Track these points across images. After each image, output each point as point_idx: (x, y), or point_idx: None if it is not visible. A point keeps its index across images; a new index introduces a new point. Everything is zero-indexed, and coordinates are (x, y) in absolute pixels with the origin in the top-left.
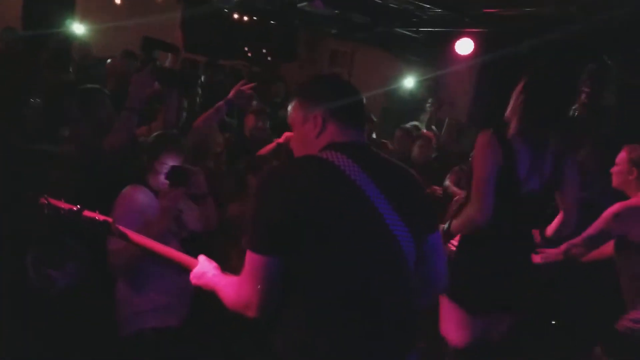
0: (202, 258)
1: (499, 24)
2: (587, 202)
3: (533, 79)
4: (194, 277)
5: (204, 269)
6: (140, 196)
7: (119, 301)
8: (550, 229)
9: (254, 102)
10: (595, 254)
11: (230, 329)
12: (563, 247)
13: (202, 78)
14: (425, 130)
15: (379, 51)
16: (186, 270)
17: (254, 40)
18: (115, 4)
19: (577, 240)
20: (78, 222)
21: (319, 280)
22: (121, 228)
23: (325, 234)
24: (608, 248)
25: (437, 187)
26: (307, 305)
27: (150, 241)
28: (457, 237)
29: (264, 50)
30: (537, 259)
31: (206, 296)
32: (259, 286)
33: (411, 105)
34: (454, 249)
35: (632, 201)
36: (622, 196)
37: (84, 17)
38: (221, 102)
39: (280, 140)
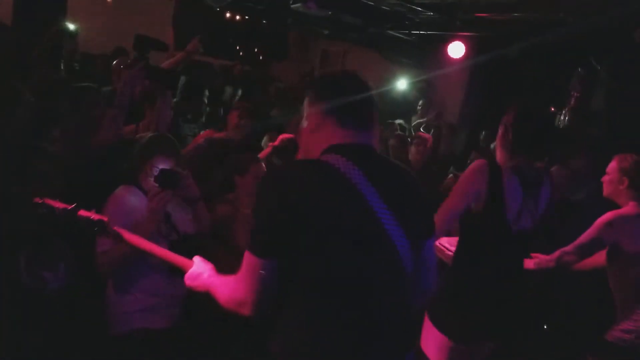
0: (197, 259)
1: (490, 28)
2: (577, 206)
3: (517, 119)
4: (188, 278)
5: (200, 269)
6: (130, 197)
7: (108, 301)
8: None
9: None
10: (587, 262)
11: (223, 330)
12: (555, 254)
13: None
14: (421, 132)
15: (370, 52)
16: (180, 271)
17: (246, 39)
18: (107, 2)
19: (569, 248)
20: (73, 222)
21: (317, 281)
22: (116, 228)
23: (323, 236)
24: (600, 257)
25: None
26: (306, 306)
27: (145, 242)
28: (454, 242)
29: (256, 49)
30: (529, 264)
31: (198, 298)
32: (254, 286)
33: (403, 107)
34: (450, 254)
35: (625, 210)
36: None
37: (75, 14)
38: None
39: (276, 143)
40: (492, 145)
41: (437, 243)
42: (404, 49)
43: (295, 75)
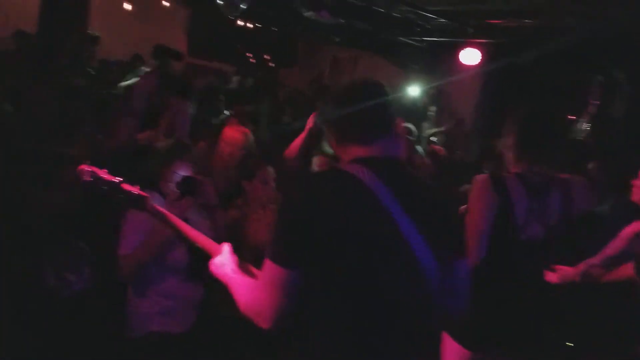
0: (226, 248)
1: (503, 34)
2: (597, 216)
3: (526, 126)
4: (213, 265)
5: (224, 260)
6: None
7: (127, 304)
8: None
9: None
10: (613, 274)
11: (238, 335)
12: (580, 267)
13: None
14: (434, 145)
15: (380, 59)
16: (196, 275)
17: (257, 46)
18: (124, 10)
19: (594, 260)
20: (114, 194)
21: (339, 294)
22: (156, 206)
23: (346, 248)
24: (627, 268)
25: None
26: (326, 318)
27: (181, 222)
28: None
29: (266, 56)
30: (553, 277)
31: (214, 302)
32: (276, 298)
33: (412, 114)
34: None
35: None
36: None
37: (93, 21)
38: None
39: (309, 124)
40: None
41: None
42: (415, 56)
43: (304, 81)
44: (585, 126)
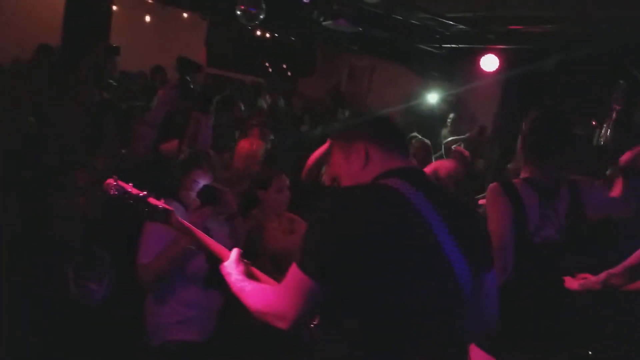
0: (233, 254)
1: (523, 40)
2: (616, 223)
3: (533, 128)
4: (221, 269)
5: (230, 269)
6: None
7: (146, 312)
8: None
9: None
10: (636, 284)
11: (257, 345)
12: (602, 276)
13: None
14: (455, 146)
15: (398, 66)
16: (215, 284)
17: (275, 56)
18: (144, 22)
19: (616, 269)
20: (139, 207)
21: (372, 306)
22: (181, 220)
23: (384, 262)
24: None
25: None
26: (358, 329)
27: (204, 236)
28: None
29: (284, 66)
30: (574, 284)
31: (233, 311)
32: (299, 305)
33: (429, 120)
34: None
35: None
36: None
37: (115, 33)
38: None
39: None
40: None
41: None
42: (433, 63)
43: (323, 89)
44: (607, 131)
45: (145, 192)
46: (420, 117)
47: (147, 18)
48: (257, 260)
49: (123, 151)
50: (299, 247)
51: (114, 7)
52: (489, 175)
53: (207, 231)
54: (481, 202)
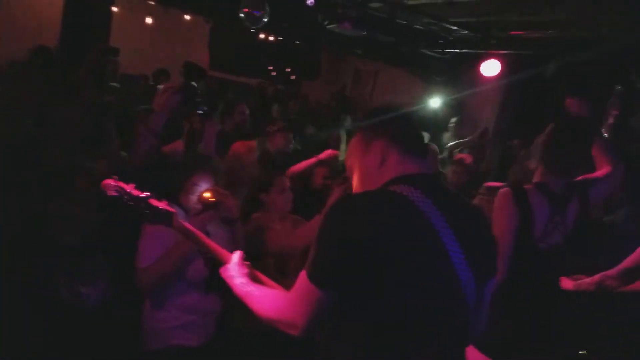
0: (235, 257)
1: (525, 46)
2: (613, 226)
3: (558, 132)
4: (222, 271)
5: (232, 272)
6: None
7: (144, 316)
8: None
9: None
10: (630, 286)
11: (257, 349)
12: (596, 277)
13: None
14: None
15: (402, 71)
16: (215, 288)
17: (279, 59)
18: (146, 24)
19: (612, 272)
20: (141, 209)
21: (377, 312)
22: (183, 223)
23: (391, 270)
24: None
25: None
26: (364, 337)
27: (207, 239)
28: None
29: (288, 69)
30: (569, 285)
31: (232, 317)
32: (308, 313)
33: (435, 125)
34: None
35: None
36: None
37: (115, 35)
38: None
39: (322, 156)
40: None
41: None
42: (437, 67)
43: (327, 93)
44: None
45: (147, 194)
46: (422, 120)
47: (149, 20)
48: (261, 262)
49: (123, 154)
50: (308, 256)
51: (114, 9)
52: (490, 179)
53: (207, 235)
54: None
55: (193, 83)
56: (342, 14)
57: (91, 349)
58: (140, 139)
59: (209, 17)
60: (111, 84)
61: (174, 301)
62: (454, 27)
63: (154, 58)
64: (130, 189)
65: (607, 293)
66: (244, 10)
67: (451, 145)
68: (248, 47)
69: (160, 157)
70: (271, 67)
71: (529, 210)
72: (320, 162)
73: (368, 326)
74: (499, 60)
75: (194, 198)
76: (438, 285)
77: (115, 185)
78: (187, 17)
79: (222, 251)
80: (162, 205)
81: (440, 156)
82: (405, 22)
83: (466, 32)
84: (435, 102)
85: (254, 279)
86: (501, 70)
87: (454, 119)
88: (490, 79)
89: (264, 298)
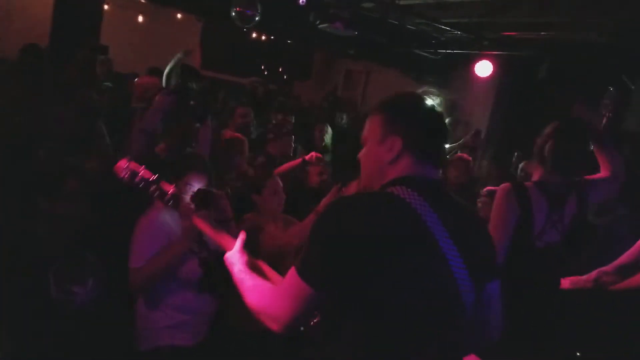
0: (237, 244)
1: (518, 47)
2: (606, 228)
3: (558, 132)
4: (225, 259)
5: (233, 260)
6: (164, 215)
7: (137, 316)
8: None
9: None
10: (626, 282)
11: (250, 349)
12: (593, 274)
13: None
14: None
15: (394, 71)
16: (209, 289)
17: (271, 59)
18: (137, 22)
19: (608, 268)
20: (149, 189)
21: (371, 313)
22: (189, 205)
23: (385, 273)
24: (639, 278)
25: None
26: (356, 339)
27: (204, 224)
28: None
29: (280, 69)
30: (565, 283)
31: (226, 316)
32: (295, 310)
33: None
34: None
35: None
36: None
37: (106, 34)
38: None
39: (307, 157)
40: (520, 166)
41: None
42: (429, 68)
43: (318, 93)
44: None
45: (157, 175)
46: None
47: (140, 18)
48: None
49: (115, 154)
50: (300, 253)
51: (105, 7)
52: (488, 181)
53: (200, 234)
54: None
55: (190, 85)
56: (334, 14)
57: (82, 348)
58: (133, 138)
59: (200, 15)
60: (104, 83)
61: (167, 301)
62: (446, 28)
63: (145, 57)
64: (141, 170)
65: (603, 289)
66: (236, 9)
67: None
68: (240, 47)
69: (154, 157)
70: (263, 67)
71: (528, 207)
72: (305, 163)
73: (367, 327)
74: (491, 61)
75: (187, 198)
76: (434, 286)
77: (126, 167)
78: (179, 15)
79: (225, 238)
80: (171, 188)
81: None
82: (397, 23)
83: (459, 33)
84: (430, 103)
85: (254, 268)
86: (493, 71)
87: (447, 120)
88: (482, 80)
89: (254, 288)
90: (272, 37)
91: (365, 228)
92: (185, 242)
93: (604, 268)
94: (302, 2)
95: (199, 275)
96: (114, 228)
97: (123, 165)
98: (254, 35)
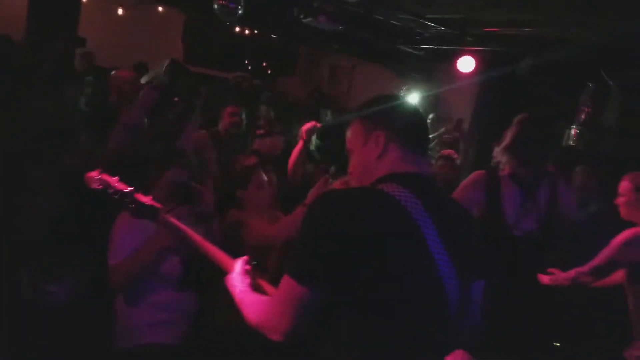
0: (238, 266)
1: (500, 43)
2: (583, 222)
3: (525, 126)
4: (227, 282)
5: (235, 282)
6: None
7: (117, 314)
8: None
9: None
10: (605, 280)
11: (232, 348)
12: (571, 273)
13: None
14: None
15: (378, 67)
16: (190, 286)
17: (255, 54)
18: (117, 15)
19: (585, 268)
20: (125, 203)
21: (359, 315)
22: (171, 219)
23: (373, 270)
24: (617, 275)
25: None
26: (345, 338)
27: (195, 235)
28: None
29: (264, 64)
30: (545, 280)
31: (207, 315)
32: (292, 314)
33: None
34: None
35: None
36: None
37: (87, 27)
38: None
39: (304, 136)
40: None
41: None
42: (413, 64)
43: (303, 89)
44: (576, 133)
45: (131, 188)
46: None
47: (120, 11)
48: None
49: (94, 149)
50: (290, 253)
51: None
52: (464, 173)
53: (179, 234)
54: None
55: (179, 82)
56: (318, 8)
57: (60, 348)
58: (114, 133)
59: (182, 9)
60: (86, 78)
61: (147, 298)
62: (431, 24)
63: (125, 51)
64: (114, 182)
65: (581, 288)
66: (219, 2)
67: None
68: (223, 41)
69: (135, 152)
70: (247, 62)
71: (497, 196)
72: (305, 143)
73: (356, 323)
74: (474, 57)
75: (167, 193)
76: (420, 283)
77: (99, 178)
78: (161, 8)
79: (212, 248)
80: (147, 200)
81: None
82: (381, 18)
83: (442, 28)
84: (412, 99)
85: (257, 288)
86: (476, 67)
87: (431, 115)
88: (465, 75)
89: (252, 305)
90: (255, 32)
91: (354, 223)
92: (165, 238)
93: (580, 269)
94: None
95: (180, 273)
96: (92, 224)
97: (95, 176)
98: (237, 29)
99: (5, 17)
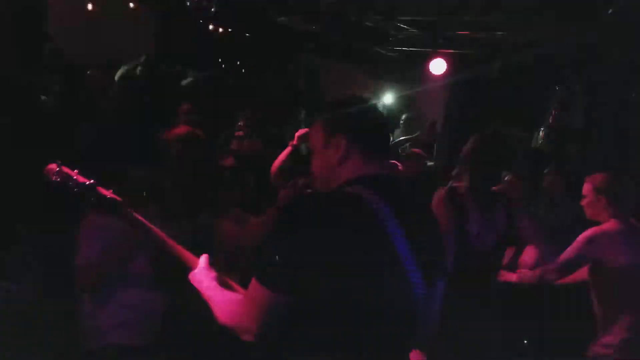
0: (202, 261)
1: (471, 46)
2: (553, 224)
3: (481, 146)
4: (191, 278)
5: (201, 277)
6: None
7: (83, 314)
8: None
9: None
10: (568, 278)
11: (202, 348)
12: (538, 271)
13: None
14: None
15: (352, 68)
16: (159, 286)
17: (228, 52)
18: (86, 10)
19: (551, 265)
20: (86, 197)
21: (328, 318)
22: (135, 214)
23: (341, 272)
24: (581, 272)
25: None
26: (312, 340)
27: (157, 231)
28: None
29: (237, 62)
30: (512, 277)
31: (176, 315)
32: (260, 318)
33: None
34: None
35: (605, 226)
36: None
37: (55, 24)
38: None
39: (295, 142)
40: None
41: None
42: (386, 65)
43: (277, 89)
44: (543, 135)
45: (92, 180)
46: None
47: (89, 6)
48: (211, 259)
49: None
50: (257, 259)
51: None
52: (438, 175)
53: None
54: None
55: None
56: (292, 8)
57: (23, 349)
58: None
59: (154, 5)
60: (54, 75)
61: (114, 298)
62: (403, 26)
63: (94, 48)
64: (75, 175)
65: (547, 285)
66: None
67: (398, 140)
68: (196, 39)
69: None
70: (220, 60)
71: (463, 212)
72: (295, 148)
73: (328, 330)
74: (445, 59)
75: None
76: (390, 287)
77: (58, 171)
78: (132, 4)
79: (175, 245)
80: (109, 193)
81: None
82: (354, 19)
83: (415, 30)
84: (386, 100)
85: (224, 284)
86: (447, 69)
87: (404, 116)
88: (437, 77)
89: (223, 303)
90: (229, 30)
91: (324, 229)
92: (131, 239)
93: (547, 266)
94: None
95: (149, 273)
96: (55, 219)
97: (54, 168)
98: (211, 27)
99: None
